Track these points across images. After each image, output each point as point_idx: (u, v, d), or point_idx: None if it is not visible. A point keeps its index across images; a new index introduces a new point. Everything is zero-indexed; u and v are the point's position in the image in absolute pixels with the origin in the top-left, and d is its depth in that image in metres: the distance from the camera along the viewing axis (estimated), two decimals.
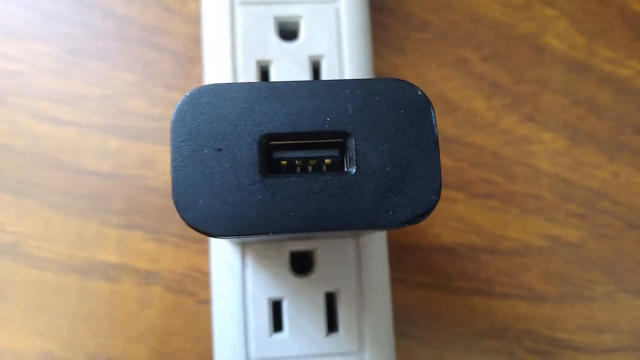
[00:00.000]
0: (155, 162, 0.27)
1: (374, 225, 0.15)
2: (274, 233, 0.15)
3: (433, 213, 0.15)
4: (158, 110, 0.27)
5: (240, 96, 0.15)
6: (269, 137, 0.15)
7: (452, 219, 0.29)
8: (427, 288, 0.28)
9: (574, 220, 0.30)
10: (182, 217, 0.14)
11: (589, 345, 0.29)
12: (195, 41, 0.28)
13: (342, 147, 0.16)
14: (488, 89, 0.30)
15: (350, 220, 0.15)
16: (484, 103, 0.30)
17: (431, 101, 0.28)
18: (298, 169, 0.16)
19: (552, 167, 0.30)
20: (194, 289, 0.27)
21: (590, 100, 0.31)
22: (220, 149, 0.15)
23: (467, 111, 0.30)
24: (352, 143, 0.15)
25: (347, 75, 0.24)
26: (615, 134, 0.31)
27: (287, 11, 0.24)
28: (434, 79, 0.30)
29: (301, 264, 0.23)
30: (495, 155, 0.29)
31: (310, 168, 0.16)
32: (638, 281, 0.30)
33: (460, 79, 0.30)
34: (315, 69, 0.24)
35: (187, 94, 0.15)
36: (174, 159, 0.15)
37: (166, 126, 0.27)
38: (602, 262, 0.29)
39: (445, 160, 0.29)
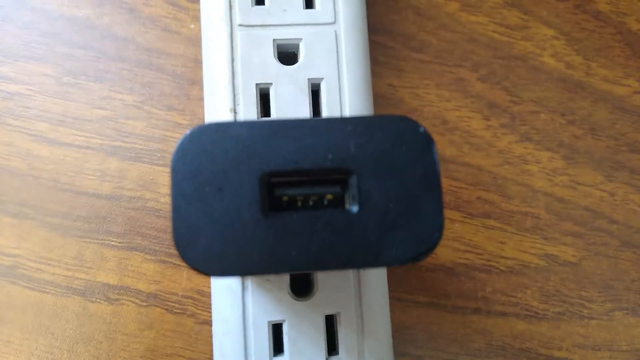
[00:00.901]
0: (155, 183, 0.27)
1: (377, 262, 0.15)
2: (276, 273, 0.15)
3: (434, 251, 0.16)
4: (158, 131, 0.28)
5: (242, 134, 0.15)
6: (271, 174, 0.15)
7: (450, 239, 0.29)
8: (426, 307, 0.28)
9: (570, 239, 0.30)
10: (182, 258, 0.14)
11: None
12: (196, 62, 0.28)
13: (344, 183, 0.16)
14: (486, 109, 0.30)
15: (354, 258, 0.15)
16: (482, 123, 0.30)
17: (429, 121, 0.29)
18: (299, 204, 0.16)
19: (549, 187, 0.30)
20: (194, 310, 0.27)
21: (587, 119, 0.31)
22: (221, 188, 0.15)
23: (464, 131, 0.30)
24: (354, 180, 0.15)
25: (347, 97, 0.24)
26: (612, 152, 0.31)
27: (286, 34, 0.24)
28: (432, 99, 0.30)
29: (301, 287, 0.23)
30: (492, 175, 0.30)
31: (311, 203, 0.16)
32: (635, 299, 0.30)
33: (458, 99, 0.30)
34: (315, 91, 0.24)
35: (188, 132, 0.15)
36: (174, 198, 0.15)
37: (166, 147, 0.27)
38: (598, 280, 0.30)
39: (443, 181, 0.29)
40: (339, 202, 0.16)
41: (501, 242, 0.29)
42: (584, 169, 0.30)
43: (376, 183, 0.15)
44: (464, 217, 0.29)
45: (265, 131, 0.15)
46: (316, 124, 0.15)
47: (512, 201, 0.30)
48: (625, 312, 0.30)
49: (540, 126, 0.30)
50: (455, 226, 0.29)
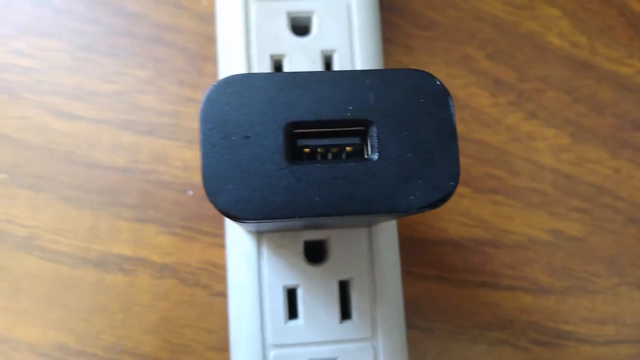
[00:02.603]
0: (168, 156, 0.28)
1: (395, 209, 0.15)
2: (300, 217, 0.15)
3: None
4: (170, 106, 0.28)
5: (266, 85, 0.16)
6: (294, 125, 0.16)
7: (458, 214, 0.29)
8: (434, 280, 0.29)
9: (576, 214, 0.30)
10: (212, 202, 0.15)
11: (592, 337, 0.29)
12: (207, 38, 0.29)
13: (364, 135, 0.16)
14: (493, 86, 0.30)
15: (373, 205, 0.15)
16: (489, 100, 0.30)
17: None
18: (319, 157, 0.16)
19: (555, 163, 0.30)
20: (208, 281, 0.27)
21: (591, 97, 0.31)
22: (247, 136, 0.15)
23: (473, 108, 0.30)
24: (373, 131, 0.16)
25: (359, 69, 0.24)
26: (616, 130, 0.31)
27: (299, 6, 0.24)
28: (440, 76, 0.30)
29: (315, 253, 0.24)
30: (500, 151, 0.30)
31: (330, 156, 0.16)
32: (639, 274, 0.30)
33: (465, 77, 0.30)
34: (327, 63, 0.25)
35: (215, 83, 0.15)
36: (203, 146, 0.15)
37: (178, 122, 0.28)
38: (604, 255, 0.30)
39: None
40: (358, 153, 0.16)
41: (508, 217, 0.30)
42: (589, 146, 0.31)
43: (394, 134, 0.16)
44: (472, 192, 0.30)
45: (288, 83, 0.16)
46: (336, 77, 0.16)
47: (519, 177, 0.30)
48: (630, 286, 0.30)
49: (547, 104, 0.31)
50: (463, 201, 0.29)
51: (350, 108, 0.16)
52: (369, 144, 0.16)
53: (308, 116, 0.16)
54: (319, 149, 0.16)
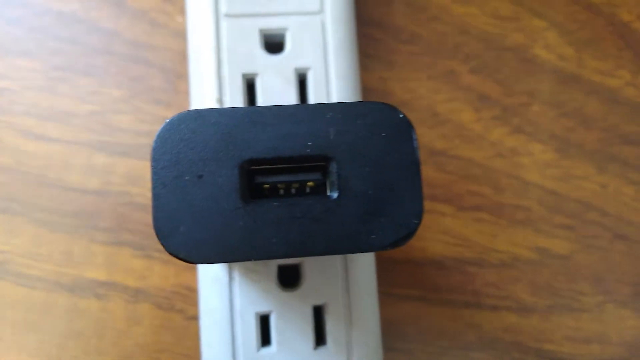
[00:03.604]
0: (143, 178, 0.27)
1: (357, 248, 0.15)
2: (256, 259, 0.15)
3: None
4: (146, 126, 0.27)
5: (221, 122, 0.15)
6: (251, 162, 0.15)
7: (440, 232, 0.29)
8: (416, 301, 0.28)
9: (562, 231, 0.30)
10: (163, 245, 0.14)
11: (577, 357, 0.29)
12: (183, 56, 0.28)
13: (325, 171, 0.16)
14: (477, 101, 0.30)
15: (333, 245, 0.15)
16: (473, 115, 0.30)
17: (420, 114, 0.29)
18: (281, 192, 0.16)
19: (541, 179, 0.30)
20: (183, 305, 0.27)
21: (579, 111, 0.31)
22: (201, 176, 0.15)
23: (456, 123, 0.30)
24: (334, 167, 0.15)
25: (334, 88, 0.24)
26: (604, 145, 0.31)
27: (272, 23, 0.24)
28: (423, 92, 0.30)
29: (288, 277, 0.23)
30: (484, 168, 0.29)
31: (293, 191, 0.16)
32: (626, 292, 0.30)
33: (449, 92, 0.30)
34: (302, 81, 0.24)
35: (167, 120, 0.15)
36: (154, 186, 0.15)
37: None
38: (590, 273, 0.30)
39: (433, 173, 0.29)
40: (321, 189, 0.16)
41: (492, 235, 0.29)
42: (576, 161, 0.30)
43: (356, 169, 0.15)
44: (455, 210, 0.29)
45: (244, 118, 0.15)
46: (296, 111, 0.15)
47: (504, 194, 0.29)
48: (616, 304, 0.30)
49: (533, 118, 0.30)
50: (445, 219, 0.29)
51: (310, 144, 0.15)
52: (329, 180, 0.16)
53: (266, 153, 0.15)
54: (279, 185, 0.16)
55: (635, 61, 0.32)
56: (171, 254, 0.14)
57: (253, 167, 0.15)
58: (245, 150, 0.15)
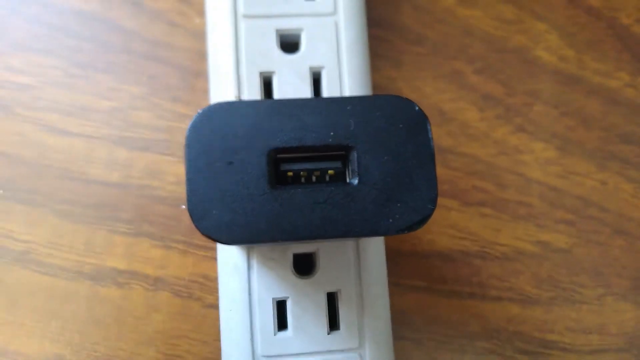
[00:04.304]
0: (162, 172, 0.28)
1: (375, 232, 0.16)
2: (282, 240, 0.16)
3: (428, 221, 0.17)
4: (164, 122, 0.29)
5: (250, 113, 0.16)
6: (277, 150, 0.16)
7: (447, 226, 0.30)
8: (423, 292, 0.29)
9: (563, 226, 0.31)
10: (197, 227, 0.15)
11: (577, 347, 0.30)
12: (200, 55, 0.29)
13: (345, 160, 0.17)
14: (481, 100, 0.31)
15: (353, 228, 0.16)
16: (477, 114, 0.31)
17: (426, 113, 0.30)
18: (303, 180, 0.17)
19: (543, 176, 0.31)
20: (200, 294, 0.28)
21: (579, 111, 0.32)
22: (231, 162, 0.16)
23: (461, 122, 0.31)
24: (354, 156, 0.16)
25: (347, 86, 0.25)
26: (604, 143, 0.32)
27: (288, 24, 0.25)
28: (429, 91, 0.31)
29: (304, 266, 0.24)
30: (488, 165, 0.31)
31: (314, 178, 0.17)
32: (625, 285, 0.31)
33: (454, 91, 0.31)
34: (316, 79, 0.25)
35: (200, 111, 0.16)
36: (188, 172, 0.16)
37: (172, 137, 0.28)
38: (590, 266, 0.31)
39: (440, 170, 0.30)
40: (340, 176, 0.17)
41: (496, 230, 0.30)
42: (576, 159, 0.31)
43: (374, 158, 0.16)
44: (460, 205, 0.30)
45: (271, 110, 0.16)
46: (318, 104, 0.16)
47: (507, 190, 0.31)
48: (615, 297, 0.31)
49: (534, 118, 0.31)
50: (451, 214, 0.30)
51: (332, 134, 0.16)
52: (349, 168, 0.17)
53: (291, 142, 0.16)
54: (302, 173, 0.17)
55: (633, 63, 0.33)
56: (204, 234, 0.15)
57: (279, 156, 0.16)
58: (271, 140, 0.16)
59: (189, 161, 0.16)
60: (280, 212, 0.16)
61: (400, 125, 0.17)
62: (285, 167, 0.17)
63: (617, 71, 0.33)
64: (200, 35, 0.29)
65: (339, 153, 0.17)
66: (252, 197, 0.16)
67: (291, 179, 0.17)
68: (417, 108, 0.17)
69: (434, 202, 0.16)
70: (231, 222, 0.16)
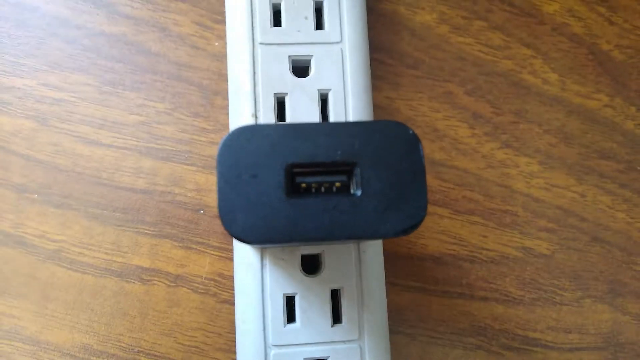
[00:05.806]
0: (183, 180, 0.31)
1: (375, 235, 0.19)
2: (297, 241, 0.19)
3: (422, 227, 0.20)
4: (186, 135, 0.32)
5: (271, 134, 0.19)
6: (293, 165, 0.19)
7: (439, 232, 0.33)
8: (417, 291, 0.32)
9: (545, 234, 0.34)
10: (227, 230, 0.18)
11: (558, 345, 0.33)
12: (219, 75, 0.32)
13: (350, 174, 0.20)
14: (471, 119, 0.34)
15: (357, 231, 0.19)
16: (468, 131, 0.34)
17: (421, 130, 0.33)
18: (314, 190, 0.20)
19: (526, 188, 0.34)
20: (216, 290, 0.31)
21: (561, 129, 0.35)
22: (255, 175, 0.19)
23: (452, 138, 0.34)
24: (358, 171, 0.20)
25: (351, 106, 0.28)
26: (583, 159, 0.35)
27: (300, 51, 0.28)
28: (424, 110, 0.34)
29: (310, 265, 0.27)
30: (476, 177, 0.34)
31: (323, 189, 0.20)
32: (602, 288, 0.34)
33: (447, 110, 0.34)
34: (324, 100, 0.28)
35: (230, 132, 0.19)
36: (219, 183, 0.19)
37: (192, 149, 0.32)
38: (569, 271, 0.34)
39: (432, 181, 0.33)
40: (345, 188, 0.20)
41: (483, 236, 0.33)
42: (557, 172, 0.34)
43: (375, 173, 0.19)
44: (451, 213, 0.33)
45: (289, 132, 0.19)
46: (328, 127, 0.20)
47: (494, 200, 0.34)
48: (593, 299, 0.34)
49: (519, 135, 0.34)
50: (443, 221, 0.33)
51: (339, 152, 0.19)
52: (354, 181, 0.20)
53: (305, 159, 0.19)
54: (313, 184, 0.20)
55: (612, 85, 0.36)
56: (233, 236, 0.19)
57: (295, 170, 0.20)
58: (289, 157, 0.19)
59: (220, 174, 0.19)
60: (295, 217, 0.19)
61: (397, 146, 0.20)
62: (299, 179, 0.20)
63: (596, 93, 0.36)
64: (219, 57, 0.32)
65: (345, 168, 0.20)
66: (272, 205, 0.19)
67: (304, 190, 0.20)
68: (411, 132, 0.20)
69: (424, 209, 0.19)
70: (255, 225, 0.19)
